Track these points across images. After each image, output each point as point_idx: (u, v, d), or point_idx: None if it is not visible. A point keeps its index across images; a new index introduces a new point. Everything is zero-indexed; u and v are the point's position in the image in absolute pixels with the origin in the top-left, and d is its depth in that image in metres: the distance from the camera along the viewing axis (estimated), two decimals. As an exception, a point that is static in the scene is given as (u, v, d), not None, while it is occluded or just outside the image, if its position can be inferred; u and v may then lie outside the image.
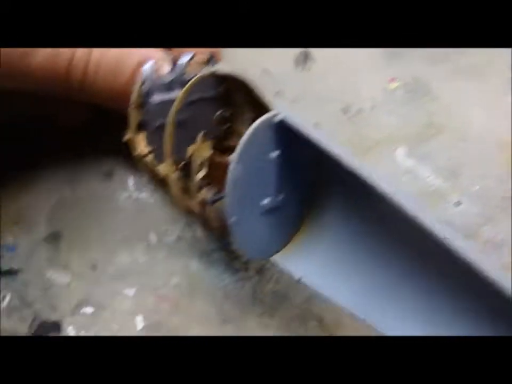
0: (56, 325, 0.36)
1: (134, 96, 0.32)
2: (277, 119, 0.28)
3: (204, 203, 0.31)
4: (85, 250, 0.38)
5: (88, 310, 0.36)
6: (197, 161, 0.31)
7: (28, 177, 0.40)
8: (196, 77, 0.30)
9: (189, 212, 0.32)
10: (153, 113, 0.31)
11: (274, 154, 0.29)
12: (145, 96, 0.32)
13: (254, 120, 0.31)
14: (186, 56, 0.31)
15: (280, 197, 0.30)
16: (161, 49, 0.35)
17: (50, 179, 0.40)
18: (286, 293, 0.37)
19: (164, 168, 0.31)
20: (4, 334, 0.35)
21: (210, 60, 0.32)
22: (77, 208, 0.39)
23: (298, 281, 0.31)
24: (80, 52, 0.33)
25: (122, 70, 0.34)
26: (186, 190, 0.32)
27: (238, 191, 0.28)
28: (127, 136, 0.32)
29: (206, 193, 0.31)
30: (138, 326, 0.36)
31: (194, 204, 0.32)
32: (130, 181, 0.39)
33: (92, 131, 0.40)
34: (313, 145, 0.27)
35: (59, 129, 0.40)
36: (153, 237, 0.38)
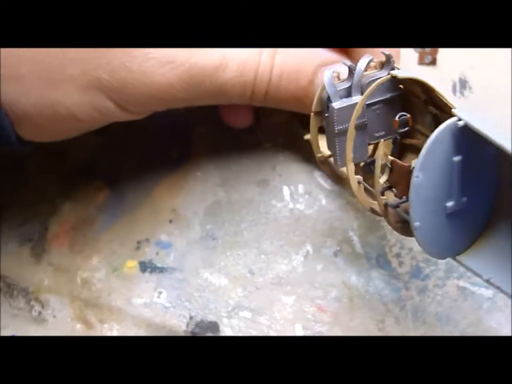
0: (214, 326, 0.38)
1: (314, 102, 0.34)
2: (460, 124, 0.29)
3: (386, 206, 0.33)
4: (241, 254, 0.40)
5: (246, 314, 0.38)
6: (378, 163, 0.33)
7: (181, 177, 0.43)
8: (375, 83, 0.33)
9: (373, 212, 0.35)
10: (334, 119, 0.34)
11: (457, 158, 0.30)
12: (325, 102, 0.34)
13: (434, 119, 0.33)
14: (363, 60, 0.34)
15: (464, 199, 0.32)
16: (336, 50, 0.38)
17: (204, 181, 0.43)
18: (448, 315, 0.38)
19: (346, 172, 0.34)
20: (162, 330, 0.37)
21: (387, 62, 0.34)
22: (232, 211, 0.41)
23: (488, 281, 0.32)
24: (264, 61, 0.36)
25: (303, 75, 0.37)
26: (369, 192, 0.34)
27: (421, 197, 0.30)
28: (307, 137, 0.35)
29: (389, 197, 0.34)
30: (297, 334, 0.37)
31: (377, 205, 0.34)
32: (286, 191, 0.42)
33: (249, 137, 0.42)
34: (496, 149, 0.29)
35: (214, 133, 0.43)
36: (310, 248, 0.40)
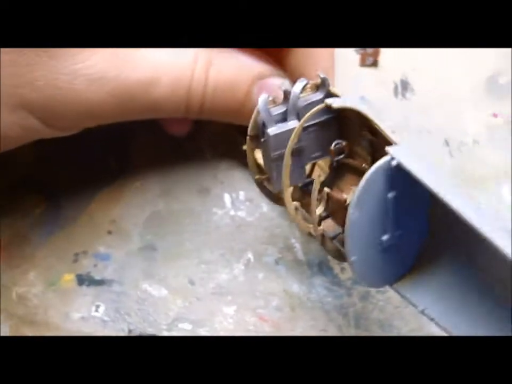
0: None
1: (250, 126, 0.34)
2: (393, 163, 0.30)
3: (323, 236, 0.34)
4: (181, 265, 0.40)
5: (186, 326, 0.38)
6: (314, 195, 0.33)
7: (121, 188, 0.42)
8: (310, 112, 0.33)
9: (311, 236, 0.35)
10: (270, 145, 0.34)
11: (391, 194, 0.31)
12: (261, 127, 0.34)
13: (371, 143, 0.33)
14: (298, 84, 0.34)
15: (399, 233, 0.32)
16: (271, 60, 0.38)
17: (143, 191, 0.42)
18: (390, 322, 0.39)
19: (284, 199, 0.34)
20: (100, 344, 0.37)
21: (322, 85, 0.34)
22: (172, 222, 0.41)
23: (422, 312, 0.33)
24: (198, 74, 0.36)
25: (238, 87, 0.37)
26: (306, 218, 0.35)
27: (356, 233, 0.31)
28: (245, 147, 0.35)
29: (326, 227, 0.34)
30: (238, 346, 0.37)
31: (315, 233, 0.34)
32: (227, 199, 0.42)
33: (190, 145, 0.42)
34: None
35: (155, 141, 0.42)
36: (251, 256, 0.40)
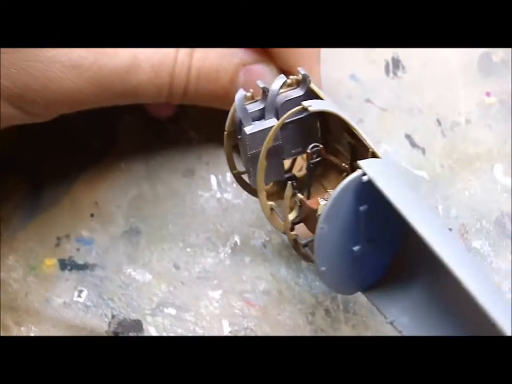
0: (138, 324, 0.37)
1: (227, 122, 0.34)
2: (364, 179, 0.29)
3: (296, 242, 0.33)
4: (165, 248, 0.39)
5: (171, 311, 0.38)
6: (286, 202, 0.33)
7: (104, 169, 0.42)
8: (286, 114, 0.32)
9: (285, 234, 0.34)
10: (247, 143, 0.33)
11: (363, 207, 0.31)
12: (238, 124, 0.33)
13: (350, 145, 0.33)
14: (277, 81, 0.33)
15: (370, 244, 0.32)
16: (256, 49, 0.37)
17: (127, 173, 0.42)
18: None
19: (259, 200, 0.33)
20: (82, 331, 0.37)
21: (303, 81, 0.33)
22: (156, 204, 0.41)
23: (391, 323, 0.32)
24: (181, 61, 0.35)
25: (222, 74, 0.36)
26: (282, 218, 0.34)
27: (326, 245, 0.31)
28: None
29: (299, 232, 0.33)
30: (224, 331, 0.37)
31: (288, 238, 0.33)
32: (213, 180, 0.41)
33: (174, 127, 0.42)
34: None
35: (140, 122, 0.42)
36: (237, 240, 0.40)
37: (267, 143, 0.31)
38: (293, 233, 0.33)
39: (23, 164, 0.42)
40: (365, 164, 0.29)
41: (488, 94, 0.44)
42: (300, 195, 0.32)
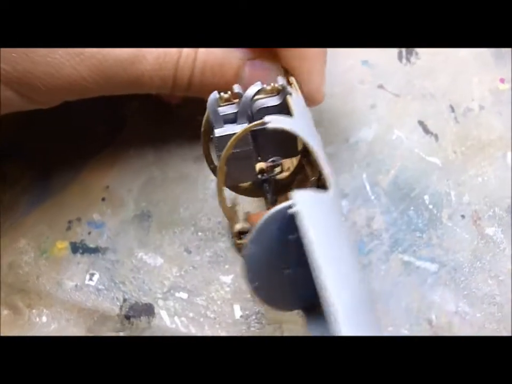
0: (149, 308, 0.37)
1: (203, 122, 0.34)
2: (290, 212, 0.29)
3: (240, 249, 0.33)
4: (177, 233, 0.40)
5: (182, 295, 0.38)
6: (224, 210, 0.33)
7: (114, 154, 0.42)
8: (249, 126, 0.32)
9: None
10: (215, 145, 0.33)
11: (292, 236, 0.30)
12: (211, 124, 0.34)
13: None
14: (252, 88, 0.33)
15: (304, 269, 0.32)
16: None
17: (137, 158, 0.42)
18: (391, 291, 0.38)
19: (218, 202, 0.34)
20: (94, 314, 0.37)
21: (282, 91, 0.33)
22: (167, 189, 0.41)
23: None
24: (186, 53, 0.35)
25: (227, 67, 0.36)
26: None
27: (256, 265, 0.31)
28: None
29: (243, 243, 0.33)
30: (236, 315, 0.37)
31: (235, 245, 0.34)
32: (224, 166, 0.41)
33: (183, 112, 0.42)
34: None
35: (149, 108, 0.42)
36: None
37: (226, 151, 0.32)
38: (238, 241, 0.33)
39: (31, 149, 0.42)
40: (297, 196, 0.29)
41: (502, 80, 0.44)
42: (247, 212, 0.33)
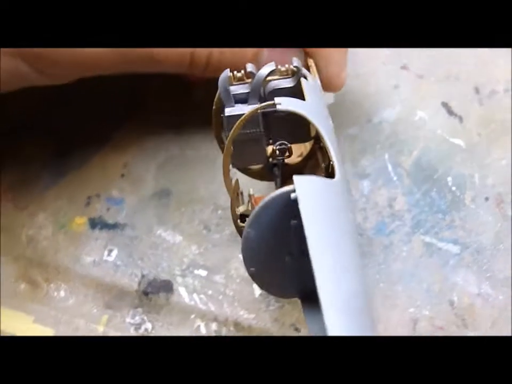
0: (168, 285, 0.37)
1: (215, 99, 0.33)
2: (292, 197, 0.28)
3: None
4: (196, 210, 0.39)
5: (201, 272, 0.38)
6: (233, 195, 0.32)
7: (133, 132, 0.42)
8: (257, 106, 0.31)
9: None
10: (225, 125, 0.33)
11: (294, 222, 0.29)
12: (222, 102, 0.33)
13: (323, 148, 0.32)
14: (265, 68, 0.32)
15: (302, 257, 0.31)
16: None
17: (157, 136, 0.42)
18: (412, 272, 0.38)
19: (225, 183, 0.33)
20: (112, 290, 0.37)
21: (297, 73, 0.33)
22: (187, 167, 0.41)
23: None
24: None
25: (243, 55, 0.35)
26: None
27: (254, 249, 0.30)
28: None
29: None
30: (256, 293, 0.37)
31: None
32: (244, 145, 0.41)
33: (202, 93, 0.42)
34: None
35: (169, 86, 0.42)
36: (269, 203, 0.39)
37: (233, 131, 0.31)
38: (241, 224, 0.32)
39: (52, 125, 0.42)
40: (298, 181, 0.28)
41: (528, 63, 0.43)
42: (251, 190, 0.32)
